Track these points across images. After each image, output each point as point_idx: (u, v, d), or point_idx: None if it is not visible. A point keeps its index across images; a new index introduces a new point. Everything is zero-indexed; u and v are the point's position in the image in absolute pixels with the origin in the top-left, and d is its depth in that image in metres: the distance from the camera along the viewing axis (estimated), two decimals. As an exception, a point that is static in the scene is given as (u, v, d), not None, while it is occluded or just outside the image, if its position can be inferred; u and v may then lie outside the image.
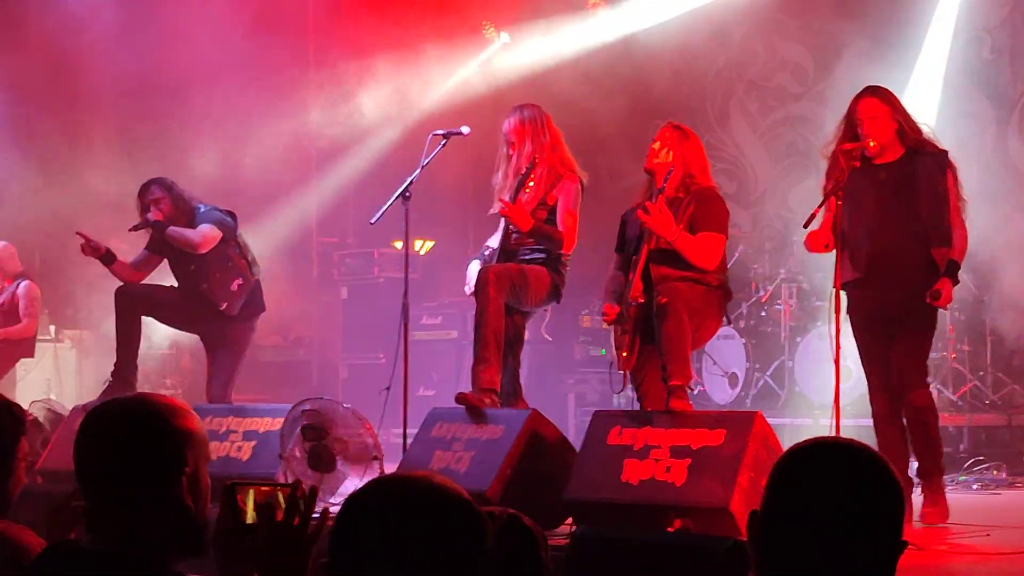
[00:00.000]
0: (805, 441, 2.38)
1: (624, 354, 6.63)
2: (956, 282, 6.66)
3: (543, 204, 7.20)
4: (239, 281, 8.35)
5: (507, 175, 7.33)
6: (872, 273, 6.75)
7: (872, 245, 6.75)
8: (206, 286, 8.38)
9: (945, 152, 6.79)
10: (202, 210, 8.39)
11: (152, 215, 8.29)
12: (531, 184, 7.23)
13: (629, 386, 6.81)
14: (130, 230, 8.58)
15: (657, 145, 6.84)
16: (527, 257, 7.29)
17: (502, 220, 7.30)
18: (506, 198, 7.15)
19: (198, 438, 2.75)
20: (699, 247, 6.59)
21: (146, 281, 8.70)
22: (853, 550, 2.23)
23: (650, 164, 6.83)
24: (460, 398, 6.82)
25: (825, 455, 2.33)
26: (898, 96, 6.89)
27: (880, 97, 6.81)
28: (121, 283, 8.52)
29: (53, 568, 2.68)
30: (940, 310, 6.83)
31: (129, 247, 9.01)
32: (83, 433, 2.75)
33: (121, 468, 2.66)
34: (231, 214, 8.45)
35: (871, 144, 6.65)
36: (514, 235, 7.28)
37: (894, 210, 6.75)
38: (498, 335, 6.96)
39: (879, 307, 6.78)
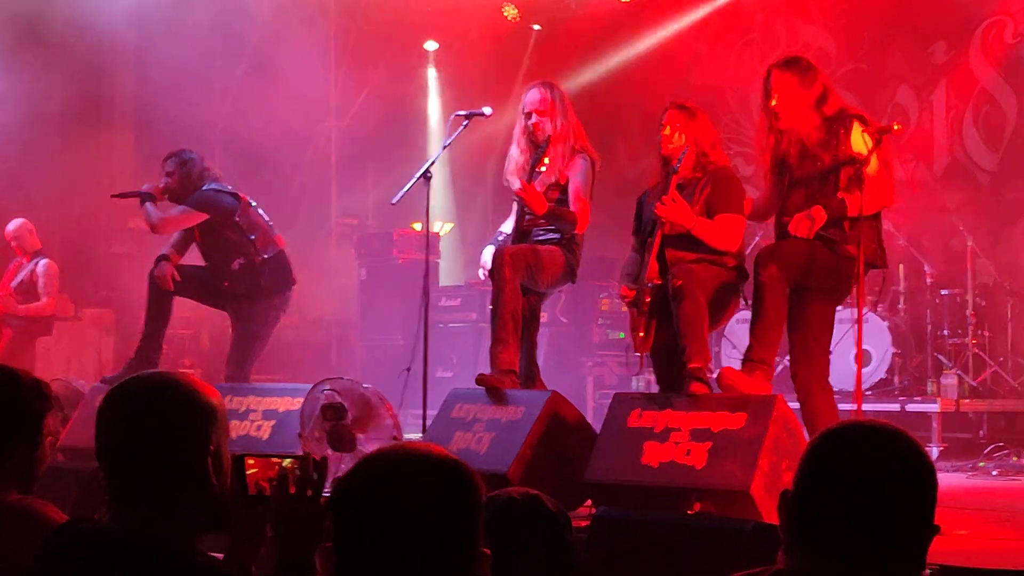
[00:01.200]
0: (840, 423, 2.38)
1: (641, 335, 6.62)
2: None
3: (556, 184, 7.19)
4: (240, 260, 8.34)
5: (524, 150, 7.31)
6: None
7: None
8: (208, 264, 8.51)
9: None
10: (202, 190, 8.40)
11: (149, 186, 8.38)
12: (546, 162, 7.20)
13: (647, 369, 6.80)
14: (112, 196, 8.67)
15: (668, 130, 6.79)
16: (541, 238, 7.27)
17: (515, 202, 7.29)
18: (522, 176, 7.14)
19: (221, 416, 2.75)
20: (718, 231, 6.56)
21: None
22: (885, 533, 2.22)
23: (665, 150, 6.79)
24: (480, 379, 6.81)
25: (860, 437, 2.31)
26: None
27: None
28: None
29: (67, 546, 2.68)
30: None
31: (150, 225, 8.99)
32: (108, 409, 2.74)
33: (147, 445, 2.65)
34: (234, 194, 8.43)
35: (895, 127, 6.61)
36: (527, 216, 7.27)
37: None
38: (516, 316, 6.96)
39: None
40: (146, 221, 8.37)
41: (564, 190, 7.16)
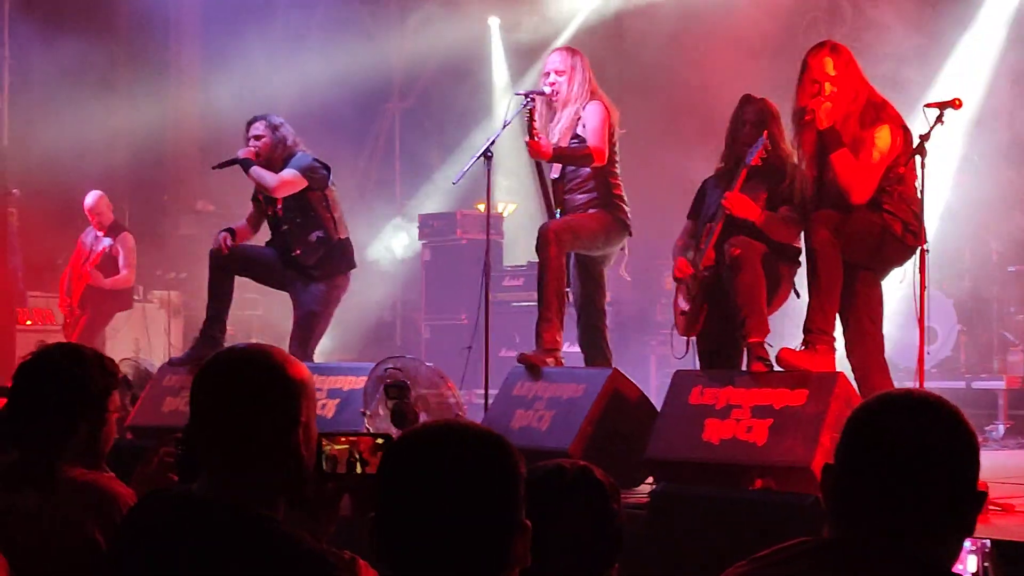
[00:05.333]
0: (880, 394, 2.38)
1: (690, 318, 6.62)
2: None
3: (576, 137, 7.30)
4: (319, 233, 8.32)
5: (542, 113, 7.46)
6: None
7: None
8: (286, 228, 8.40)
9: None
10: (298, 155, 8.34)
11: (244, 152, 8.27)
12: (560, 121, 7.38)
13: (692, 351, 6.78)
14: (213, 168, 8.54)
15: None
16: (580, 202, 7.39)
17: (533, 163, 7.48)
18: (541, 133, 7.25)
19: (310, 389, 2.75)
20: (784, 226, 6.50)
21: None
22: (929, 502, 2.22)
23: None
24: (522, 358, 6.89)
25: (899, 407, 2.31)
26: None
27: None
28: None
29: (153, 512, 2.71)
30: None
31: (215, 207, 9.09)
32: (201, 378, 2.74)
33: (238, 413, 2.66)
34: (327, 167, 8.41)
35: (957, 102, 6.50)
36: (555, 180, 7.45)
37: None
38: (560, 294, 7.03)
39: None
40: (261, 185, 8.23)
41: (582, 140, 7.28)
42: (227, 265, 8.40)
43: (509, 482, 2.20)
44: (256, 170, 8.18)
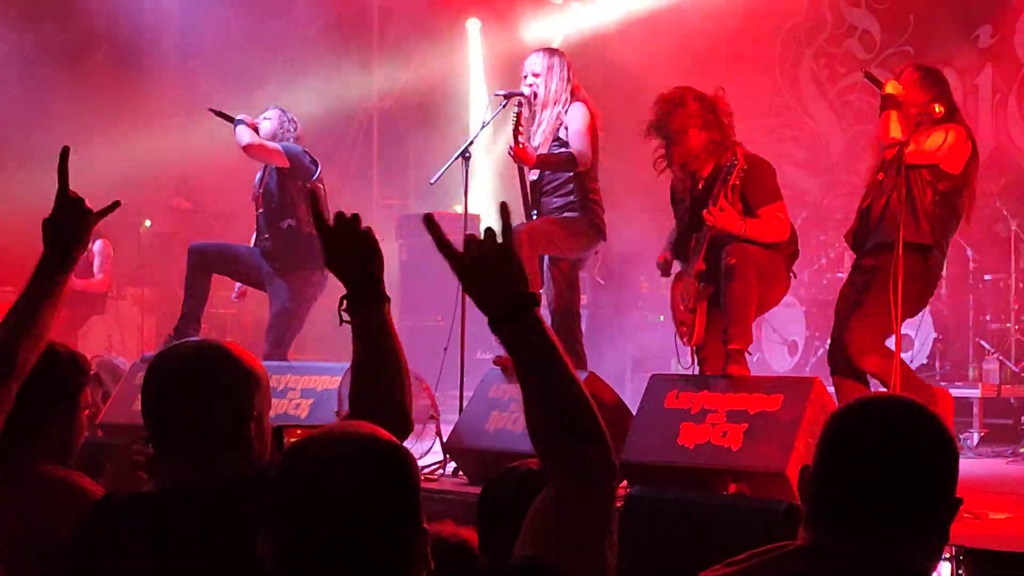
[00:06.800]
0: (857, 398, 2.37)
1: (687, 328, 6.63)
2: None
3: (558, 139, 7.29)
4: (290, 222, 8.35)
5: (526, 118, 7.45)
6: None
7: None
8: (261, 211, 8.53)
9: None
10: (293, 143, 8.50)
11: (246, 117, 8.42)
12: (541, 124, 7.35)
13: (686, 348, 6.79)
14: (209, 108, 8.67)
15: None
16: (556, 205, 7.38)
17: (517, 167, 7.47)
18: (522, 138, 7.23)
19: (263, 384, 2.77)
20: (768, 228, 6.53)
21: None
22: (904, 507, 2.21)
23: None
24: (498, 360, 6.89)
25: (876, 411, 2.31)
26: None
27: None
28: (196, 242, 8.63)
29: (108, 518, 2.69)
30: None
31: (192, 205, 9.08)
32: (153, 370, 2.75)
33: (188, 406, 2.67)
34: (315, 162, 8.49)
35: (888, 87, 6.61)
36: (533, 182, 7.46)
37: None
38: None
39: None
40: (238, 141, 8.32)
41: (565, 144, 7.26)
42: (205, 264, 8.41)
43: (404, 487, 2.14)
44: (241, 127, 8.31)
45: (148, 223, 13.42)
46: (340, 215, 2.86)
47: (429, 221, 2.46)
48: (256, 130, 8.39)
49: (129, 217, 13.59)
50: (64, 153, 3.23)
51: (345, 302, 2.85)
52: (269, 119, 8.55)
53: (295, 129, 8.61)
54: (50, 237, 3.14)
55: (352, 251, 2.85)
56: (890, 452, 2.22)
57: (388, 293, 2.91)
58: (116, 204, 3.37)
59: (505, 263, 2.37)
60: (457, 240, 2.41)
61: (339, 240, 2.86)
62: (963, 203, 6.54)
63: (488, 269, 2.37)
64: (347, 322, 2.85)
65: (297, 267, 8.36)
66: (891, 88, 6.47)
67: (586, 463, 2.27)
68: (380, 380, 2.85)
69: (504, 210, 2.45)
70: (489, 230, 2.39)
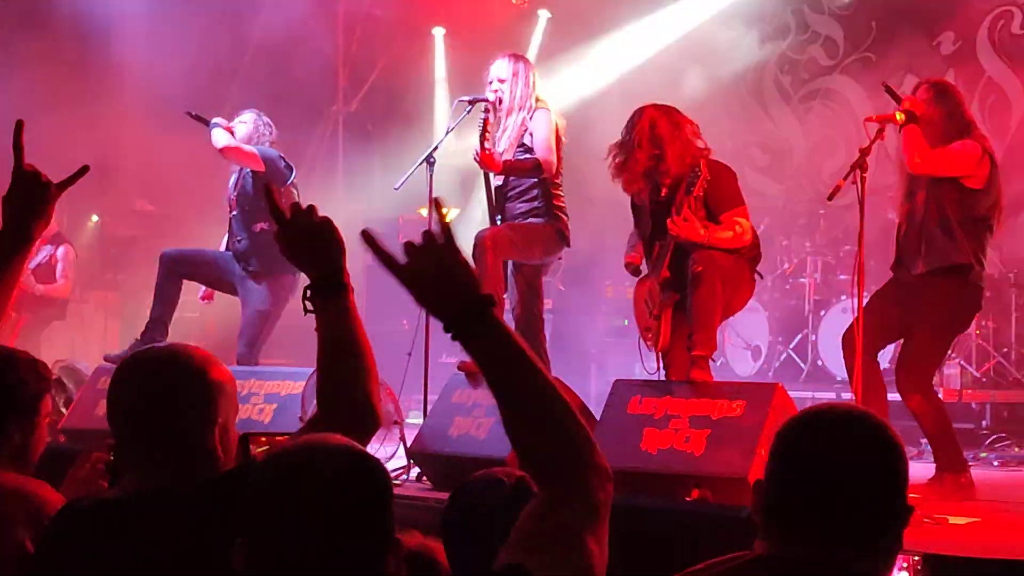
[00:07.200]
0: (807, 408, 2.38)
1: (653, 334, 6.65)
2: None
3: (522, 145, 7.32)
4: (263, 225, 8.33)
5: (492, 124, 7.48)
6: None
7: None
8: (235, 214, 8.55)
9: None
10: (269, 148, 8.52)
11: (221, 120, 8.43)
12: (506, 130, 7.39)
13: (651, 352, 6.82)
14: (185, 112, 8.62)
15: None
16: (521, 211, 7.41)
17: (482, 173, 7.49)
18: (486, 144, 7.25)
19: (229, 391, 2.77)
20: (730, 234, 6.55)
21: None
22: (857, 516, 2.22)
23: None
24: (462, 365, 6.90)
25: (825, 421, 2.32)
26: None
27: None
28: (168, 248, 8.61)
29: (75, 522, 2.68)
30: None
31: (155, 208, 9.04)
32: (119, 377, 2.74)
33: (152, 412, 2.66)
34: (290, 167, 8.49)
35: (898, 116, 6.66)
36: (497, 187, 7.49)
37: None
38: (498, 302, 7.01)
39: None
40: (215, 143, 8.32)
41: (530, 150, 7.29)
42: (176, 269, 8.40)
43: (377, 499, 2.13)
44: (217, 130, 8.34)
45: (95, 218, 13.26)
46: (296, 206, 2.84)
47: (366, 237, 2.38)
48: (232, 133, 8.38)
49: (82, 211, 13.54)
50: (18, 127, 3.19)
51: (309, 292, 2.83)
52: (245, 122, 8.56)
53: (271, 133, 8.63)
54: (7, 212, 3.13)
55: (312, 242, 2.84)
56: (837, 462, 2.24)
57: (354, 298, 2.89)
58: (85, 169, 3.33)
59: (450, 266, 2.28)
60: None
61: (297, 232, 2.84)
62: (993, 214, 6.78)
63: (434, 275, 2.29)
64: (311, 312, 2.84)
65: (271, 270, 8.37)
66: (908, 105, 6.70)
67: (570, 464, 2.20)
68: (347, 371, 2.81)
69: (438, 206, 2.36)
70: (427, 233, 2.29)
